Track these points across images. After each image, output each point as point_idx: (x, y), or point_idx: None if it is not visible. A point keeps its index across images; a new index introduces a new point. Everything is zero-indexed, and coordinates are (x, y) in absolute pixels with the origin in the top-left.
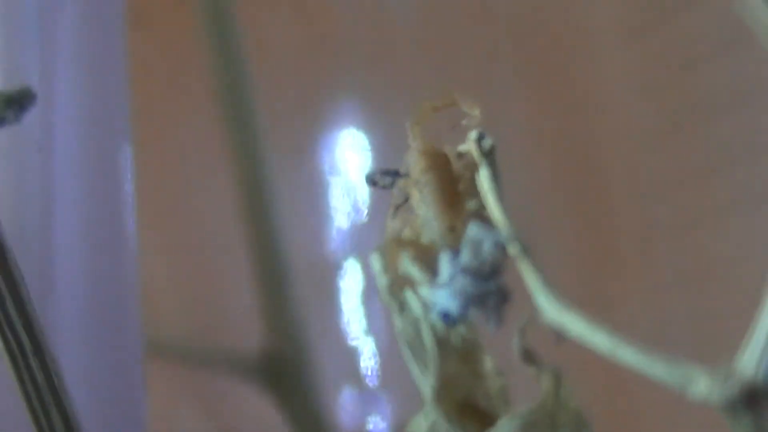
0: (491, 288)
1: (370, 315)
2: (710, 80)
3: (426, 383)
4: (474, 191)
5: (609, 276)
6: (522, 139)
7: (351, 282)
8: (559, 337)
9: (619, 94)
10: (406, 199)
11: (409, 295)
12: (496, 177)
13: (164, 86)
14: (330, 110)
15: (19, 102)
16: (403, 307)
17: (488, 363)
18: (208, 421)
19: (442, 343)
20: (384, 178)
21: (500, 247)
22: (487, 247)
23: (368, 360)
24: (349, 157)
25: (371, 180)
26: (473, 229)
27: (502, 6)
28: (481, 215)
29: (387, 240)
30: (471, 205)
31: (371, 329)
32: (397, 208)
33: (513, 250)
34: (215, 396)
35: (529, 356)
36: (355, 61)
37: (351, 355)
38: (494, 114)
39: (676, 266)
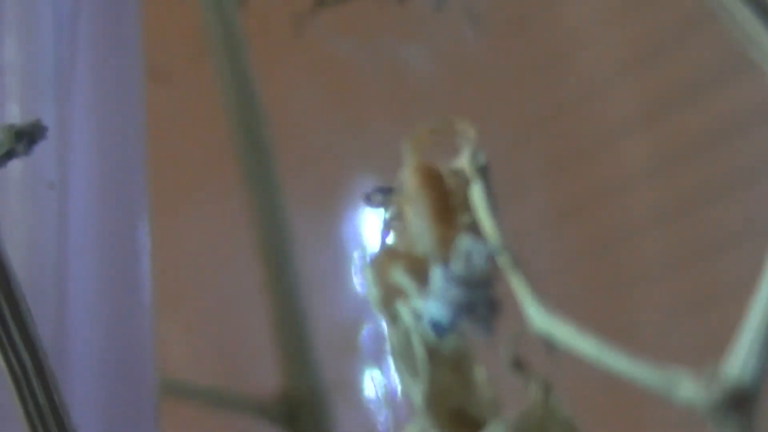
0: (481, 297)
1: (387, 372)
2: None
3: (417, 393)
4: (466, 206)
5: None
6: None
7: (371, 340)
8: (549, 347)
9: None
10: (400, 215)
11: (401, 307)
12: (489, 193)
13: (183, 142)
14: (351, 168)
15: (29, 135)
16: (394, 318)
17: (479, 373)
18: None
19: (432, 353)
20: (379, 195)
21: (490, 258)
22: (477, 257)
23: (384, 414)
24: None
25: (367, 198)
26: (464, 241)
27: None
28: (474, 229)
29: (380, 253)
30: (463, 219)
31: (388, 385)
32: (389, 222)
33: (503, 261)
34: None
35: (518, 365)
36: (376, 119)
37: (367, 410)
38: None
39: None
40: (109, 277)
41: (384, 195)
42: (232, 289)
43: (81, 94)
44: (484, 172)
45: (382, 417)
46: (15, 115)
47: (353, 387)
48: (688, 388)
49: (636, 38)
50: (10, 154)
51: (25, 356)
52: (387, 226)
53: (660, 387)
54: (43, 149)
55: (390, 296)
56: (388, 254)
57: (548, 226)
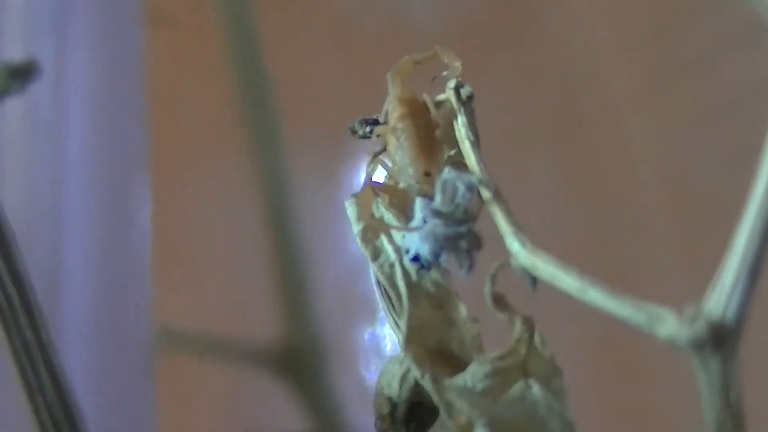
0: (463, 230)
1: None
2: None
3: (399, 329)
4: (451, 138)
5: None
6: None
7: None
8: (534, 283)
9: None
10: (384, 147)
11: (384, 241)
12: (473, 125)
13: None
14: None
15: (23, 73)
16: (377, 253)
17: (462, 310)
18: (223, 412)
19: (414, 287)
20: (363, 126)
21: (473, 191)
22: (460, 190)
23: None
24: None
25: (352, 129)
26: (447, 173)
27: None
28: (457, 163)
29: (363, 187)
30: (447, 151)
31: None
32: (375, 155)
33: (485, 193)
34: (231, 388)
35: (500, 302)
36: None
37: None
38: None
39: None
40: (104, 221)
41: (369, 126)
42: (235, 243)
43: (80, 35)
44: (468, 103)
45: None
46: (13, 54)
47: (351, 342)
48: (671, 325)
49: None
50: (5, 92)
51: (12, 292)
52: (372, 159)
53: (642, 323)
54: (39, 90)
55: (373, 231)
56: (371, 189)
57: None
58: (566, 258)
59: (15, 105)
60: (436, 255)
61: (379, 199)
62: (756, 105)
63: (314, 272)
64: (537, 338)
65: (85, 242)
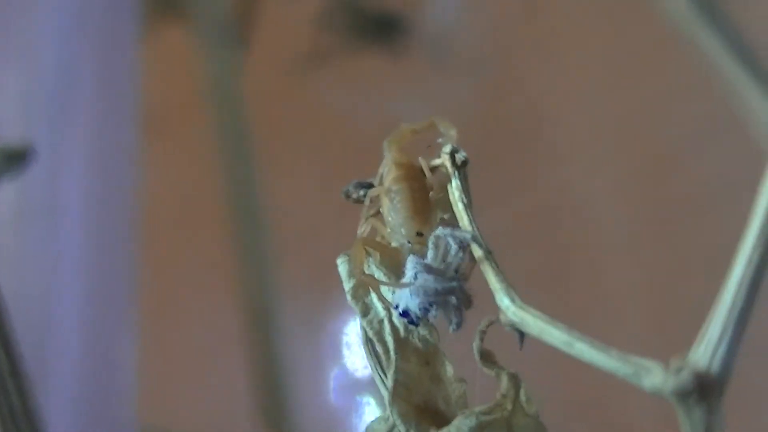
0: (454, 285)
1: None
2: None
3: (385, 385)
4: (445, 202)
5: None
6: None
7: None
8: (522, 338)
9: None
10: (378, 210)
11: (373, 298)
12: (466, 189)
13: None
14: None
15: (20, 157)
16: (367, 310)
17: (449, 369)
18: None
19: (402, 343)
20: (357, 190)
21: (465, 249)
22: (452, 248)
23: None
24: None
25: (346, 193)
26: (440, 230)
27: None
28: (450, 225)
29: (354, 244)
30: (440, 214)
31: None
32: (368, 218)
33: (477, 251)
34: None
35: (488, 358)
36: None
37: None
38: None
39: None
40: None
41: (362, 189)
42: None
43: (78, 126)
44: (462, 168)
45: None
46: (9, 136)
47: None
48: (658, 376)
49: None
50: (0, 174)
51: (2, 359)
52: (365, 220)
53: (629, 375)
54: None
55: (364, 288)
56: (363, 247)
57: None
58: None
59: (10, 185)
60: (426, 310)
61: (371, 258)
62: None
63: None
64: (522, 395)
65: (74, 327)
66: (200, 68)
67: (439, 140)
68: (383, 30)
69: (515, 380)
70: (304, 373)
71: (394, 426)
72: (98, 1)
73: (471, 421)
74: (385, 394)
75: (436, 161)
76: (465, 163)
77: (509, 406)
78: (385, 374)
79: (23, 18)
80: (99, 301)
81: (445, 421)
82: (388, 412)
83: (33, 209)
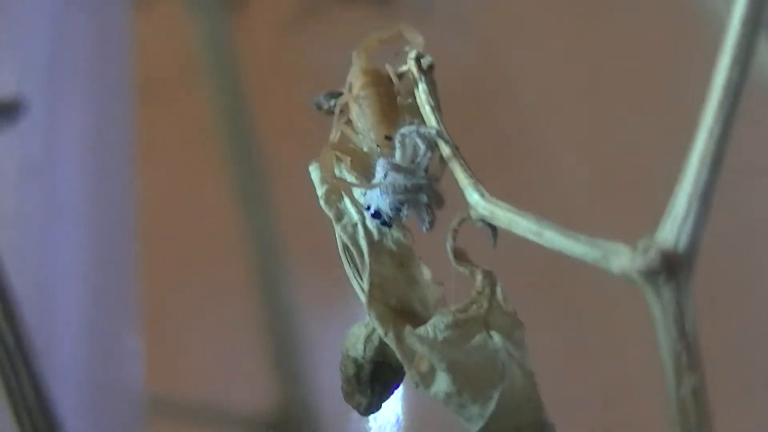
0: (422, 183)
1: None
2: None
3: (362, 289)
4: (413, 108)
5: None
6: None
7: None
8: (494, 233)
9: None
10: (348, 118)
11: (347, 203)
12: (433, 92)
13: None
14: None
15: (12, 109)
16: (340, 215)
17: (425, 271)
18: None
19: (376, 246)
20: (328, 100)
21: (432, 148)
22: (420, 148)
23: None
24: None
25: (317, 104)
26: (405, 129)
27: None
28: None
29: (324, 150)
30: (408, 119)
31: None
32: (338, 125)
33: (445, 149)
34: None
35: (461, 256)
36: None
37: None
38: None
39: None
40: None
41: (333, 99)
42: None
43: (72, 86)
44: (429, 73)
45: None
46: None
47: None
48: (625, 257)
49: None
50: None
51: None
52: (335, 126)
53: (598, 259)
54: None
55: (336, 193)
56: (333, 153)
57: None
58: None
59: (5, 143)
60: (397, 210)
61: (342, 163)
62: None
63: (310, 346)
64: (499, 292)
65: (75, 276)
66: (194, 33)
67: (406, 48)
68: None
69: (490, 278)
70: (318, 354)
71: (373, 329)
72: None
73: (447, 319)
74: (363, 298)
75: (403, 68)
76: (431, 67)
77: (485, 304)
78: (362, 278)
79: None
80: (100, 260)
81: (423, 322)
82: (366, 319)
83: (31, 169)
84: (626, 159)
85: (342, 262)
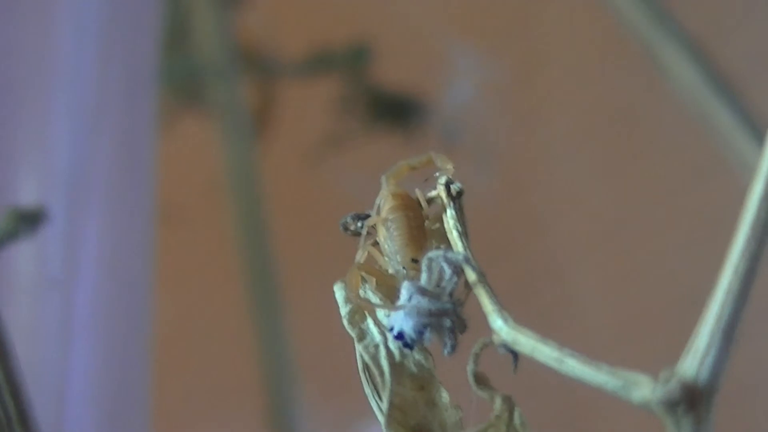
0: (447, 307)
1: None
2: None
3: (381, 410)
4: (441, 234)
5: None
6: None
7: None
8: (516, 359)
9: None
10: (375, 240)
11: (370, 323)
12: (461, 219)
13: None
14: None
15: (32, 218)
16: (363, 335)
17: (444, 394)
18: None
19: (397, 367)
20: (355, 222)
21: (459, 273)
22: (446, 273)
23: None
24: None
25: (344, 225)
26: (432, 253)
27: None
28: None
29: (350, 270)
30: (436, 244)
31: None
32: (365, 244)
33: (471, 275)
34: None
35: (481, 380)
36: None
37: None
38: None
39: None
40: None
41: (360, 221)
42: None
43: (94, 199)
44: (458, 199)
45: None
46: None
47: None
48: (646, 389)
49: None
50: (13, 235)
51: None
52: (361, 247)
53: (619, 388)
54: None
55: (360, 314)
56: (359, 273)
57: None
58: None
59: (26, 255)
60: (420, 333)
61: (367, 284)
62: None
63: None
64: (517, 417)
65: (89, 397)
66: (218, 158)
67: (436, 174)
68: (400, 113)
69: (509, 402)
70: None
71: None
72: (116, 92)
73: None
74: (381, 418)
75: (432, 193)
76: (460, 193)
77: (503, 428)
78: (381, 399)
79: (38, 108)
80: (115, 377)
81: None
82: None
83: (50, 280)
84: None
85: (360, 380)
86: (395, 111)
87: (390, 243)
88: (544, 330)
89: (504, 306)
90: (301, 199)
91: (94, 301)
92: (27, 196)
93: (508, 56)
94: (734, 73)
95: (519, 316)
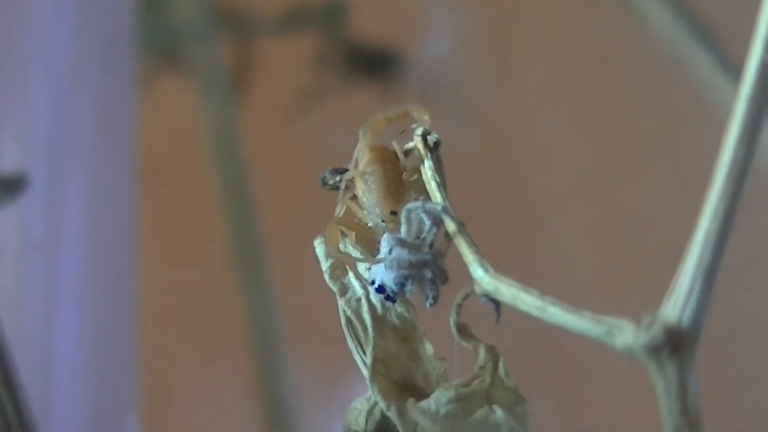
0: (428, 258)
1: None
2: None
3: (365, 364)
4: (419, 185)
5: None
6: None
7: None
8: (498, 309)
9: None
10: (353, 193)
11: (351, 277)
12: (439, 169)
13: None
14: None
15: (14, 184)
16: (345, 290)
17: (428, 347)
18: None
19: (380, 320)
20: (333, 176)
21: (438, 224)
22: (426, 224)
23: None
24: None
25: (322, 180)
26: (410, 204)
27: None
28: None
29: (329, 225)
30: (414, 196)
31: None
32: (343, 200)
33: (450, 225)
34: None
35: (464, 331)
36: None
37: None
38: None
39: None
40: (94, 341)
41: (338, 175)
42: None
43: (75, 165)
44: (435, 150)
45: None
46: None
47: None
48: (629, 334)
49: None
50: None
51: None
52: (340, 201)
53: (602, 335)
54: (33, 209)
55: (341, 268)
56: (338, 228)
57: None
58: None
59: (8, 220)
60: (401, 285)
61: (347, 238)
62: None
63: (312, 422)
64: (501, 368)
65: (75, 360)
66: (198, 118)
67: (413, 126)
68: (377, 66)
69: (493, 352)
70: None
71: (375, 403)
72: (94, 55)
73: (449, 393)
74: (365, 372)
75: (409, 144)
76: (437, 144)
77: (488, 378)
78: (365, 353)
79: (16, 75)
80: (101, 339)
81: (425, 397)
82: (369, 392)
83: (32, 245)
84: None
85: (344, 336)
86: (372, 65)
87: (368, 196)
88: (527, 281)
89: (485, 256)
90: (282, 156)
91: (78, 265)
92: (7, 161)
93: (485, 7)
94: (710, 18)
95: (501, 269)
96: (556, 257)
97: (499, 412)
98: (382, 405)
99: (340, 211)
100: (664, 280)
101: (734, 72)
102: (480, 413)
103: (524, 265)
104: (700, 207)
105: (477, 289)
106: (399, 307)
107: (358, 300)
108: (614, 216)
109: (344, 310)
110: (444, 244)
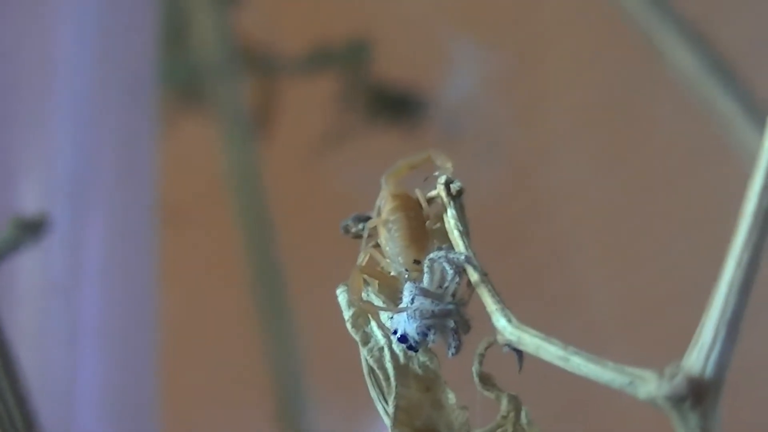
0: (450, 308)
1: None
2: None
3: (387, 412)
4: (442, 233)
5: None
6: None
7: None
8: (521, 358)
9: None
10: (376, 242)
11: (373, 326)
12: (462, 218)
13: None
14: None
15: (35, 227)
16: (367, 338)
17: (450, 395)
18: None
19: (402, 369)
20: (356, 224)
21: (461, 273)
22: (449, 273)
23: None
24: None
25: (345, 228)
26: (433, 254)
27: None
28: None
29: (352, 273)
30: (437, 244)
31: None
32: (366, 249)
33: (473, 275)
34: None
35: (487, 380)
36: None
37: None
38: None
39: None
40: (115, 382)
41: (361, 223)
42: None
43: (97, 205)
44: (458, 198)
45: None
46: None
47: None
48: (652, 384)
49: None
50: (16, 245)
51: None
52: (363, 250)
53: (625, 385)
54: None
55: (363, 317)
56: (361, 276)
57: None
58: None
59: (29, 262)
60: (424, 334)
61: (369, 287)
62: None
63: None
64: (524, 417)
65: (98, 400)
66: (220, 157)
67: (436, 173)
68: (400, 108)
69: (516, 402)
70: None
71: None
72: (117, 94)
73: None
74: (388, 421)
75: (432, 192)
76: (460, 192)
77: (510, 428)
78: (387, 402)
79: (39, 113)
80: (122, 381)
81: None
82: None
83: (55, 287)
84: (652, 277)
85: (367, 385)
86: (395, 106)
87: (391, 244)
88: (550, 320)
89: (507, 303)
90: (303, 196)
91: (99, 305)
92: (29, 202)
93: (507, 48)
94: (734, 58)
95: (524, 307)
96: (578, 295)
97: None
98: None
99: (363, 259)
100: (684, 316)
101: (759, 115)
102: None
103: (546, 302)
104: (723, 247)
105: (500, 338)
106: (422, 356)
107: (381, 349)
108: (637, 255)
109: (366, 359)
110: (467, 293)
